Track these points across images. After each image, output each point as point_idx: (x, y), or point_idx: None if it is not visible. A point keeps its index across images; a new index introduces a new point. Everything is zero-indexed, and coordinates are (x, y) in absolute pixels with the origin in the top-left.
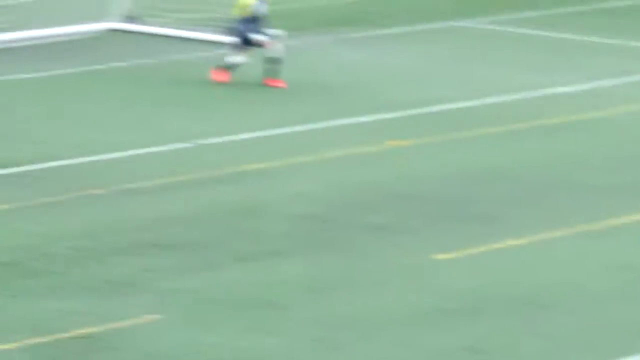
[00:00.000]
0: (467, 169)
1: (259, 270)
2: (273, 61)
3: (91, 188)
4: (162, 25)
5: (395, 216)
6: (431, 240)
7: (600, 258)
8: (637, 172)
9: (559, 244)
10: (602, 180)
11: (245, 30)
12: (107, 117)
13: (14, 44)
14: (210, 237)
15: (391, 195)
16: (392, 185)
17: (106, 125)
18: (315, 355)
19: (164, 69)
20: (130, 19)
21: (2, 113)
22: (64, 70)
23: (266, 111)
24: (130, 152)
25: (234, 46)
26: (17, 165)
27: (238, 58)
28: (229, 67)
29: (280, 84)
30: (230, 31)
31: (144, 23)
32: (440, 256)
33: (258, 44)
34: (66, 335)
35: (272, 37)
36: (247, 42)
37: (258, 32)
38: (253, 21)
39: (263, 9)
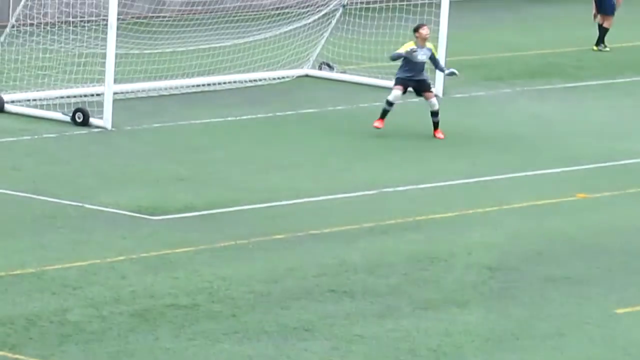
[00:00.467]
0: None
1: (439, 319)
2: (432, 114)
3: (275, 233)
4: (354, 73)
5: (578, 268)
6: (613, 293)
7: None
8: None
9: None
10: None
11: (398, 74)
12: (294, 163)
13: (210, 88)
14: (390, 284)
15: (575, 246)
16: (577, 236)
17: (294, 171)
18: None
19: (355, 116)
20: (324, 65)
21: (191, 155)
22: (255, 115)
23: (454, 160)
24: (316, 199)
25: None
26: (203, 208)
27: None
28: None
29: (439, 135)
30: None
31: (337, 70)
32: (622, 310)
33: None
34: None
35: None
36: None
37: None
38: (408, 65)
39: (422, 56)
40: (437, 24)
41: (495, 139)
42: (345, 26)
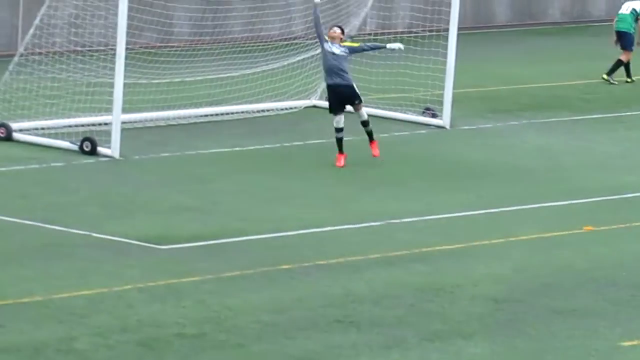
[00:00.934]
0: None
1: (445, 351)
2: (363, 124)
3: (281, 263)
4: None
5: (585, 300)
6: (619, 326)
7: None
8: None
9: None
10: None
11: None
12: (302, 193)
13: (217, 118)
14: (396, 315)
15: (582, 279)
16: (583, 269)
17: (300, 202)
18: None
19: (361, 147)
20: None
21: (199, 185)
22: (263, 146)
23: (460, 192)
24: (322, 229)
25: None
26: (210, 237)
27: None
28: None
29: (375, 152)
30: None
31: None
32: (628, 343)
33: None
34: None
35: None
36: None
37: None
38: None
39: (333, 47)
40: (445, 55)
41: (502, 171)
42: (352, 58)
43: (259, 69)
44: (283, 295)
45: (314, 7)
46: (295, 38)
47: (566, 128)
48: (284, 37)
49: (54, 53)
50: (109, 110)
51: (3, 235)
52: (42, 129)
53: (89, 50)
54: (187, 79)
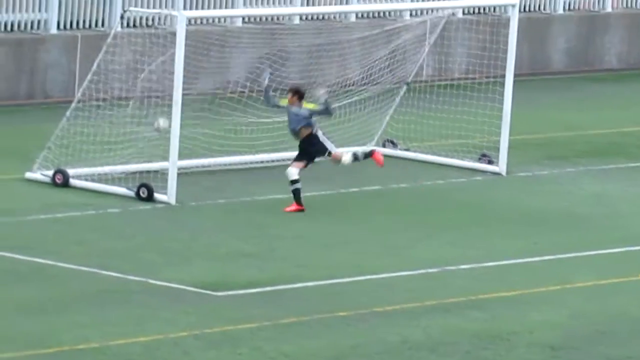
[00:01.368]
0: None
1: None
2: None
3: (337, 310)
4: (418, 150)
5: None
6: None
7: None
8: None
9: None
10: None
11: None
12: (357, 240)
13: (273, 164)
14: None
15: (637, 327)
16: (639, 317)
17: (356, 248)
18: None
19: (418, 194)
20: (388, 142)
21: (255, 231)
22: (319, 192)
23: (516, 238)
24: (378, 276)
25: None
26: (266, 284)
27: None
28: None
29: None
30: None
31: (400, 147)
32: None
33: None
34: None
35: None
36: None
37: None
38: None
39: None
40: (501, 102)
41: (558, 218)
42: (409, 103)
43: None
44: (339, 342)
45: (264, 74)
46: (351, 84)
47: (623, 175)
48: (340, 83)
49: (111, 99)
50: (165, 157)
51: (60, 282)
52: (99, 175)
53: (146, 97)
54: (244, 126)
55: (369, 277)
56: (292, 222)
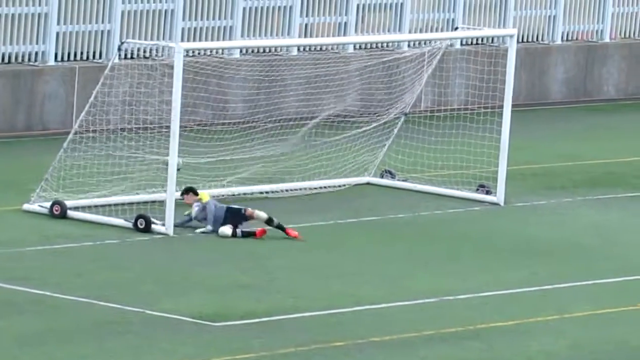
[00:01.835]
0: None
1: None
2: (270, 222)
3: (335, 340)
4: (416, 181)
5: None
6: None
7: None
8: None
9: None
10: None
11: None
12: (355, 270)
13: (270, 195)
14: None
15: (636, 356)
16: (638, 346)
17: (354, 278)
18: None
19: (416, 224)
20: (386, 173)
21: (252, 262)
22: (317, 223)
23: (515, 268)
24: (376, 306)
25: None
26: (264, 314)
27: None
28: None
29: (292, 233)
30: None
31: (398, 178)
32: None
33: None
34: None
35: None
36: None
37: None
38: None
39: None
40: (499, 132)
41: (556, 248)
42: (407, 134)
43: (313, 147)
44: None
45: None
46: (348, 116)
47: (621, 205)
48: (337, 114)
49: (109, 131)
50: (162, 188)
51: (58, 313)
52: (96, 206)
53: (144, 128)
54: (241, 156)
55: (366, 307)
56: (290, 252)
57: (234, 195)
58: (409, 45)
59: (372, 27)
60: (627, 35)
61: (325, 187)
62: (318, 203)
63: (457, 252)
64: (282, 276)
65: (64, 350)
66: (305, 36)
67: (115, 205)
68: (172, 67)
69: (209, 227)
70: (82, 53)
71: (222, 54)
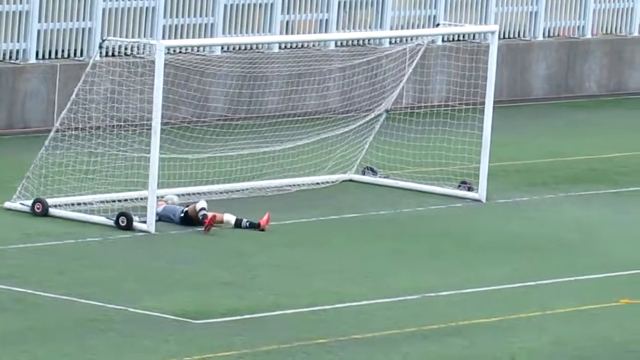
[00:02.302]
0: None
1: None
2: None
3: (317, 337)
4: (397, 178)
5: None
6: None
7: None
8: None
9: None
10: None
11: None
12: (337, 267)
13: (253, 193)
14: None
15: (619, 352)
16: (620, 342)
17: (336, 276)
18: None
19: (398, 221)
20: (367, 170)
21: (235, 260)
22: (299, 220)
23: (497, 265)
24: (359, 303)
25: None
26: (246, 312)
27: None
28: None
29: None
30: None
31: (380, 175)
32: None
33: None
34: None
35: None
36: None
37: None
38: None
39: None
40: (481, 129)
41: (538, 244)
42: (388, 131)
43: (294, 144)
44: None
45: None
46: (331, 112)
47: (603, 201)
48: (320, 111)
49: (90, 128)
50: (144, 185)
51: (40, 311)
52: (78, 204)
53: (125, 126)
54: (223, 154)
55: (348, 304)
56: (272, 249)
57: (215, 193)
58: (390, 43)
59: (353, 24)
60: (609, 31)
61: (306, 185)
62: (300, 200)
63: (438, 249)
64: (263, 273)
65: (46, 349)
66: (287, 33)
67: (97, 203)
68: (153, 65)
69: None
70: (63, 51)
71: (204, 51)
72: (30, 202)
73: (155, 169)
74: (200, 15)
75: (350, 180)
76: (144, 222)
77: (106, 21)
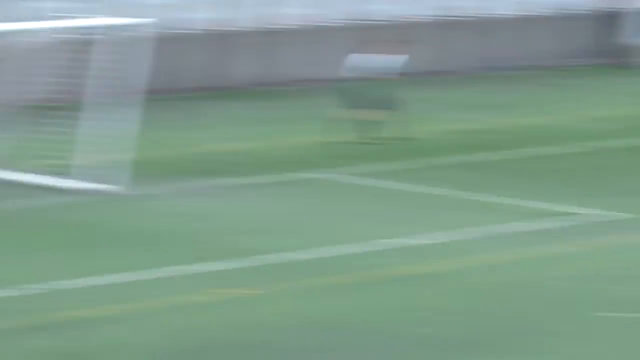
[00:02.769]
0: (304, 320)
1: None
2: None
3: None
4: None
5: None
6: None
7: None
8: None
9: None
10: (438, 334)
11: None
12: None
13: None
14: None
15: (225, 345)
16: (226, 334)
17: None
18: None
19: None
20: None
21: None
22: None
23: (112, 257)
24: None
25: None
26: None
27: None
28: None
29: None
30: None
31: None
32: None
33: None
34: None
35: None
36: None
37: None
38: None
39: None
40: (107, 122)
41: (162, 236)
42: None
43: None
44: None
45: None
46: None
47: (233, 193)
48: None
49: None
50: None
51: None
52: None
53: None
54: None
55: None
56: None
57: None
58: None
59: None
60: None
61: None
62: None
63: (29, 242)
64: None
65: None
66: None
67: None
68: None
69: None
70: None
71: None
72: None
73: None
74: None
75: None
76: None
77: None
